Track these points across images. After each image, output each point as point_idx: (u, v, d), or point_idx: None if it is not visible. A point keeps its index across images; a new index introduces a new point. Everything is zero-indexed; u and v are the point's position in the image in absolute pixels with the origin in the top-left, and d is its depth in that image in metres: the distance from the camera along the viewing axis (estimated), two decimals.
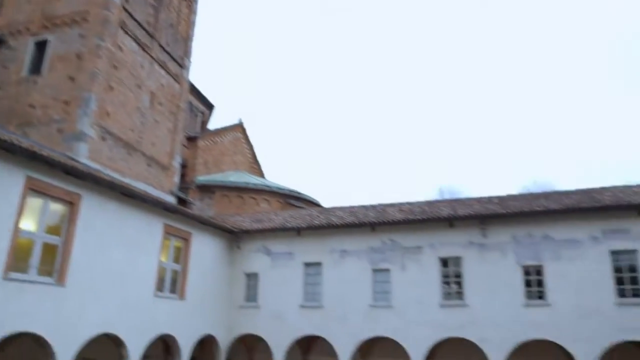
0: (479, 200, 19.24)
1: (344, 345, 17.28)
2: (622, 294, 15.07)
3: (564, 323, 15.19)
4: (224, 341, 18.79)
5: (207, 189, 27.65)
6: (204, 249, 18.28)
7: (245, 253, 19.80)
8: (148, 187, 19.59)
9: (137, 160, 20.37)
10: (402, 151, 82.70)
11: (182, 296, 16.83)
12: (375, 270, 17.82)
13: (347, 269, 18.12)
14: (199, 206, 26.33)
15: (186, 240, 17.38)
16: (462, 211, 17.49)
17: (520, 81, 79.70)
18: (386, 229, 17.99)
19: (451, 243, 17.19)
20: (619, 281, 15.21)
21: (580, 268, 15.51)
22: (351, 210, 20.52)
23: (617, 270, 15.31)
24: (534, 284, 16.02)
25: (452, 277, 17.06)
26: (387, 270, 17.67)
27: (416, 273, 17.24)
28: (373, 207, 20.52)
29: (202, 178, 28.27)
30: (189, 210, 19.67)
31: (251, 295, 19.26)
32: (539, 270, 16.04)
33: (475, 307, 16.25)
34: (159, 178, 21.61)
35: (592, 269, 15.41)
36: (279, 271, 18.99)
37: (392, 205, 20.33)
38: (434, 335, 16.41)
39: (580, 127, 71.56)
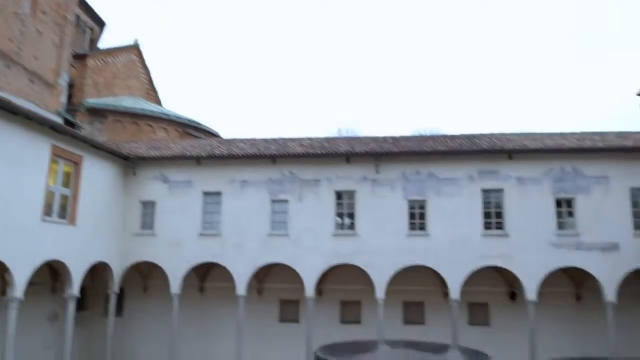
0: (375, 139, 20.38)
1: (242, 272, 17.99)
2: (488, 226, 17.36)
3: (439, 251, 17.22)
4: (118, 269, 18.53)
5: (98, 113, 25.85)
6: (97, 175, 17.44)
7: (142, 181, 19.24)
8: (31, 106, 17.85)
9: (17, 75, 18.35)
10: (304, 90, 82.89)
11: (72, 222, 16.11)
12: (274, 201, 18.44)
13: (246, 199, 18.51)
14: (89, 131, 24.61)
15: (77, 164, 16.41)
16: (359, 148, 18.49)
17: (420, 29, 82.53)
18: (287, 161, 18.52)
19: (347, 178, 18.24)
20: (487, 216, 17.46)
21: (457, 203, 17.48)
22: (253, 142, 20.64)
23: (486, 206, 17.51)
24: (418, 217, 17.79)
25: (345, 209, 18.29)
26: (285, 201, 18.37)
27: (313, 205, 18.17)
28: (274, 140, 20.82)
29: (93, 101, 26.28)
30: (80, 133, 18.41)
31: (147, 223, 18.97)
32: (422, 205, 17.78)
33: (364, 237, 17.70)
34: (43, 97, 19.75)
35: (466, 204, 17.46)
36: (178, 200, 18.83)
37: (293, 139, 20.79)
38: (327, 262, 17.71)
39: (473, 77, 76.80)
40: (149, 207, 19.09)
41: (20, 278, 13.78)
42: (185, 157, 18.87)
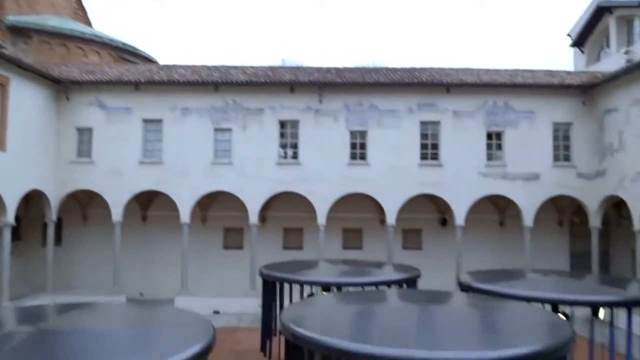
0: (319, 69, 20.35)
1: (185, 200, 18.07)
2: (424, 157, 18.28)
3: (378, 180, 18.05)
4: (54, 197, 18.02)
5: (21, 32, 23.76)
6: (26, 98, 16.44)
7: (76, 106, 18.34)
8: None
9: None
10: (246, 19, 79.39)
11: (2, 147, 15.32)
12: (217, 130, 18.32)
13: (188, 127, 18.24)
14: (12, 51, 22.72)
15: (3, 85, 15.36)
16: (302, 78, 18.47)
17: None
18: (230, 89, 18.25)
19: (290, 107, 18.34)
20: (423, 147, 18.34)
21: (396, 134, 18.17)
22: (194, 69, 19.99)
23: (423, 137, 18.35)
24: (358, 147, 18.37)
25: (289, 138, 18.53)
26: (228, 129, 18.30)
27: (256, 133, 18.24)
28: (217, 67, 20.27)
29: (14, 18, 24.04)
30: (5, 52, 17.04)
31: (84, 150, 18.34)
32: (363, 135, 18.34)
33: (307, 165, 18.15)
34: None
35: (405, 135, 18.19)
36: (116, 127, 18.22)
37: (236, 67, 20.33)
38: (270, 190, 18.12)
39: (415, 11, 76.56)
40: (85, 133, 18.37)
41: None
42: (123, 82, 18.08)
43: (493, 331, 5.94)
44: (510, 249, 19.42)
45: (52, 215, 18.09)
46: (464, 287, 9.00)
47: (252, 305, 17.37)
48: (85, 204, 20.08)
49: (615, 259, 19.94)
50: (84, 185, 18.18)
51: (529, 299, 7.57)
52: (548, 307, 8.21)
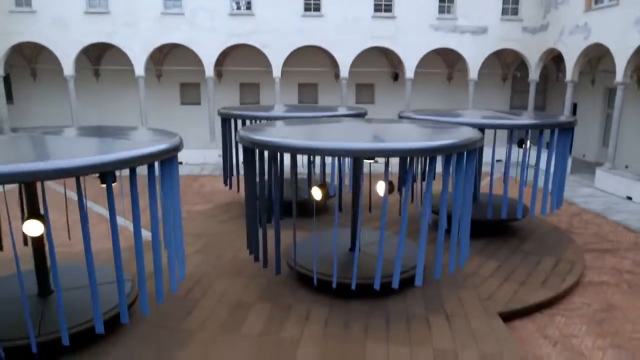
0: None
1: (137, 53, 17.80)
2: (378, 8, 18.32)
3: (332, 33, 18.16)
4: None
5: None
6: None
7: None
8: None
9: None
10: None
11: None
12: None
13: None
14: None
15: None
16: None
17: None
18: None
19: None
20: None
21: None
22: None
23: None
24: None
25: None
26: None
27: None
28: None
29: None
30: None
31: None
32: None
33: (260, 16, 17.91)
34: None
35: None
36: None
37: None
38: (224, 42, 18.00)
39: None
40: None
41: None
42: None
43: (424, 135, 7.05)
44: (457, 103, 20.65)
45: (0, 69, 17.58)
46: (402, 117, 10.07)
47: (213, 155, 18.34)
48: (32, 59, 19.46)
49: (549, 111, 21.69)
50: (28, 38, 17.42)
51: (456, 123, 8.68)
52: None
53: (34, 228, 5.16)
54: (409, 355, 5.51)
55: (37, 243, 5.96)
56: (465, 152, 6.34)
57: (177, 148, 5.71)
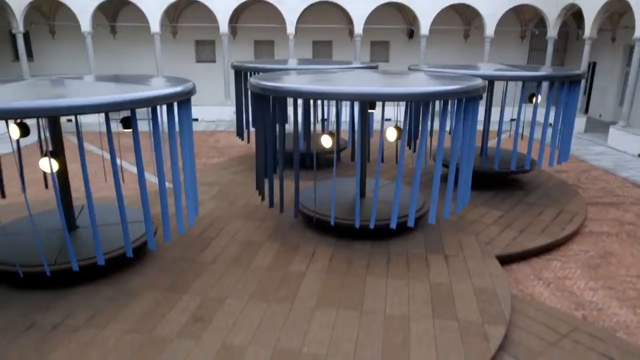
0: None
1: (152, 8, 17.92)
2: None
3: None
4: (16, 6, 17.59)
5: None
6: None
7: None
8: None
9: None
10: None
11: None
12: None
13: None
14: None
15: None
16: None
17: None
18: None
19: None
20: None
21: None
22: None
23: None
24: None
25: None
26: None
27: None
28: None
29: None
30: None
31: None
32: None
33: None
34: None
35: None
36: None
37: None
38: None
39: None
40: None
41: None
42: None
43: (436, 79, 7.25)
44: (473, 61, 20.33)
45: (19, 26, 17.91)
46: (412, 70, 10.20)
47: (228, 112, 18.64)
48: (50, 16, 19.73)
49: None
50: None
51: (465, 75, 8.80)
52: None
53: (48, 165, 5.57)
54: (406, 287, 5.91)
55: (63, 181, 6.41)
56: (465, 99, 6.54)
57: (191, 91, 6.04)
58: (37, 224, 5.95)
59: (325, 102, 11.40)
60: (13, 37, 18.43)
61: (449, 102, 6.54)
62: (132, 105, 5.14)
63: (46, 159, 5.66)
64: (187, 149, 6.16)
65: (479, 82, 6.71)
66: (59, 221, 6.37)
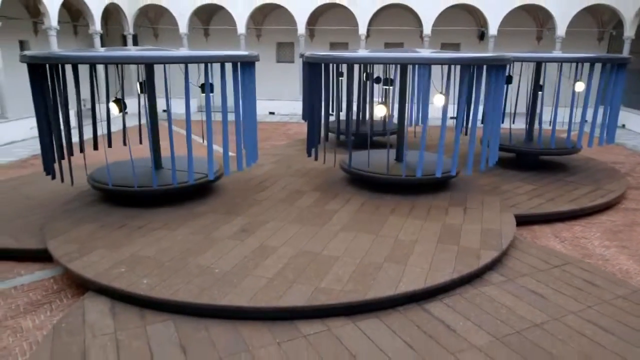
0: None
1: (240, 12, 20.10)
2: None
3: None
4: (129, 11, 20.57)
5: None
6: None
7: None
8: None
9: None
10: None
11: None
12: None
13: None
14: None
15: None
16: None
17: None
18: None
19: None
20: None
21: None
22: None
23: None
24: None
25: None
26: None
27: None
28: None
29: None
30: None
31: None
32: None
33: None
34: None
35: None
36: None
37: None
38: (315, 0, 19.62)
39: None
40: None
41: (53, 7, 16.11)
42: None
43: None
44: None
45: (130, 29, 20.89)
46: None
47: (301, 107, 20.23)
48: (154, 21, 22.69)
49: None
50: (153, 1, 20.45)
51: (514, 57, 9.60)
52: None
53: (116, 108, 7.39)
54: (421, 225, 6.87)
55: (155, 144, 8.14)
56: (494, 67, 7.44)
57: (253, 58, 7.54)
58: (134, 163, 7.71)
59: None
60: (124, 39, 21.46)
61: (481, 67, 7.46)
62: (206, 60, 6.71)
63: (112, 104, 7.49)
64: (248, 104, 7.62)
65: (506, 55, 7.58)
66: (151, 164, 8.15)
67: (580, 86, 10.53)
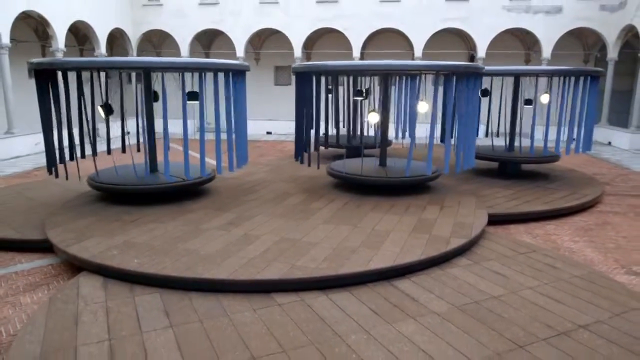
0: None
1: (239, 37, 20.99)
2: None
3: (407, 16, 19.87)
4: (133, 36, 21.52)
5: None
6: None
7: None
8: None
9: None
10: None
11: None
12: None
13: None
14: None
15: None
16: None
17: None
18: None
19: None
20: None
21: None
22: None
23: None
24: None
25: None
26: None
27: None
28: None
29: None
30: None
31: None
32: None
33: (343, 3, 20.19)
34: None
35: None
36: None
37: None
38: (311, 26, 20.55)
39: None
40: None
41: (60, 31, 16.96)
42: None
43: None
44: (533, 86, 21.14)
45: (134, 53, 21.78)
46: None
47: None
48: (157, 45, 23.62)
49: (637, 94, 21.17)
50: (156, 26, 21.42)
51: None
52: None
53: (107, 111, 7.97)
54: (398, 219, 7.31)
55: (153, 155, 8.69)
56: (469, 74, 8.01)
57: (244, 67, 8.14)
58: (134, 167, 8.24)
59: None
60: None
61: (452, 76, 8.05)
62: (201, 66, 7.30)
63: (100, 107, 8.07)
64: (239, 110, 8.19)
65: (479, 64, 8.17)
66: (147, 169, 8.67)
67: (545, 98, 11.18)
